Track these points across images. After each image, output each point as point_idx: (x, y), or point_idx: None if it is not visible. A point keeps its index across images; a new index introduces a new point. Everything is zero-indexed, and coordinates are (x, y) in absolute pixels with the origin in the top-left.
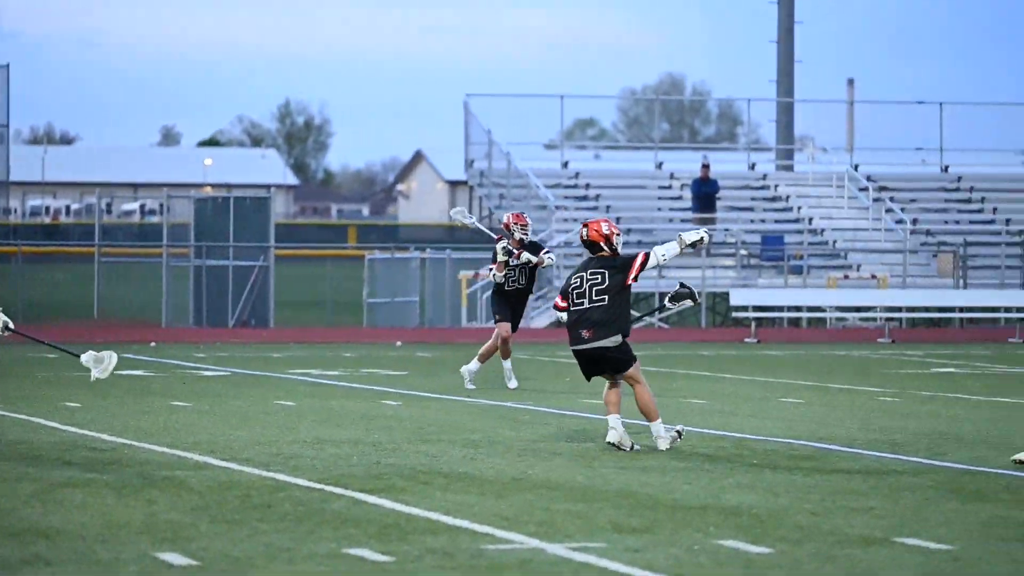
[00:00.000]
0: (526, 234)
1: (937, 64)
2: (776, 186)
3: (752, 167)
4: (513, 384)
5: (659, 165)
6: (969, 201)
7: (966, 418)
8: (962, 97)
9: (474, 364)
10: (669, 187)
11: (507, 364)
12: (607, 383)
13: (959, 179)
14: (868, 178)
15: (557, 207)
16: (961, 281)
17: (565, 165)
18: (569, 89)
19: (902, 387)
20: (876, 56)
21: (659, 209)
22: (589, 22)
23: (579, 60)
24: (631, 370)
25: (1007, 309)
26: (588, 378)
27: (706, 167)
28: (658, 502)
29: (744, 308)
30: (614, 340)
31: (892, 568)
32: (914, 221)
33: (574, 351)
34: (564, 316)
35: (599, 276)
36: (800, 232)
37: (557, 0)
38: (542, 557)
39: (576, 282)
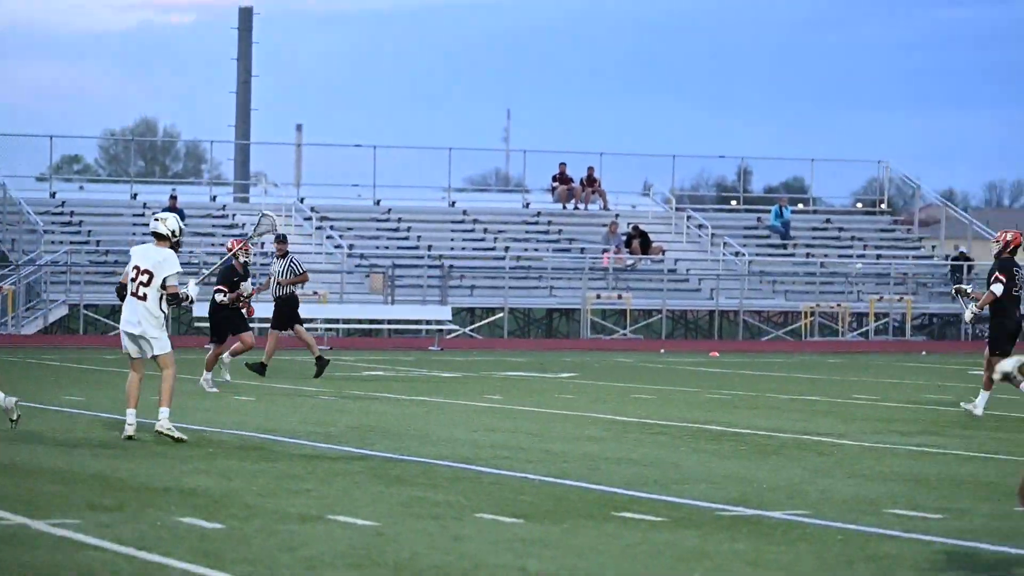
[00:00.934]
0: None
1: (373, 113)
2: (234, 215)
3: (214, 198)
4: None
5: (134, 196)
6: (397, 230)
7: (391, 414)
8: (394, 141)
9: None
10: (143, 215)
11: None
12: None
13: (389, 210)
14: (312, 209)
15: (46, 231)
16: (390, 298)
17: (53, 195)
18: (58, 130)
19: (338, 388)
20: (322, 105)
21: (133, 234)
22: (75, 71)
23: (66, 105)
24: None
25: (428, 322)
26: None
27: (173, 198)
28: (127, 484)
29: (203, 319)
30: None
31: (325, 541)
32: (351, 246)
33: None
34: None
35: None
36: (256, 255)
37: (46, 52)
38: (26, 532)
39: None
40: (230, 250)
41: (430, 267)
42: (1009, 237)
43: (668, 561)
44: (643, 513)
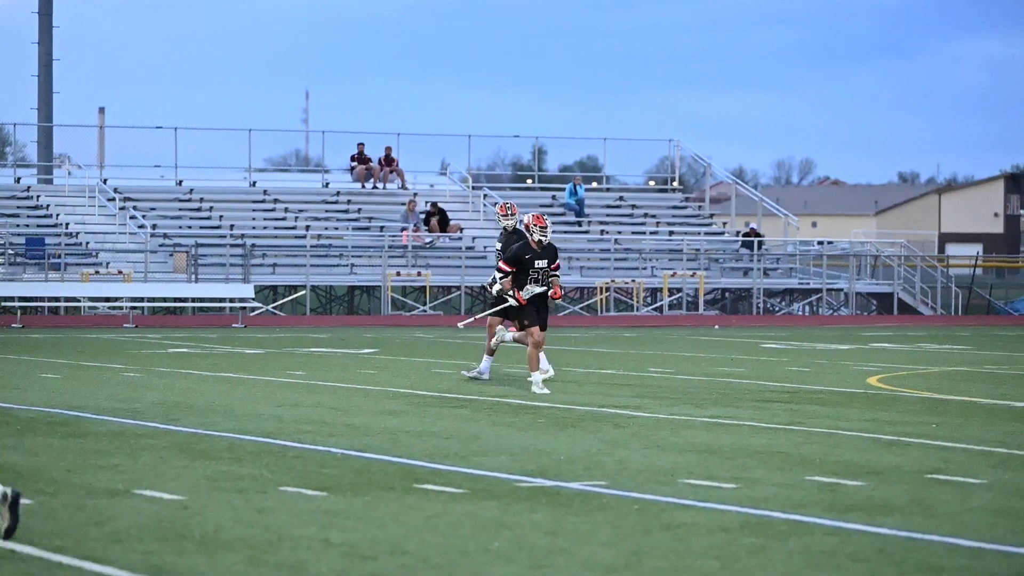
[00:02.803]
0: (544, 236)
1: (175, 94)
2: (38, 196)
3: (18, 180)
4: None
5: None
6: (200, 210)
7: (197, 390)
8: (195, 123)
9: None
10: None
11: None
12: None
13: (191, 191)
14: (115, 190)
15: None
16: (194, 276)
17: None
18: None
19: (143, 364)
20: (124, 87)
21: None
22: None
23: None
24: None
25: (231, 300)
26: None
27: None
28: None
29: (11, 299)
30: None
31: (132, 515)
32: (154, 226)
33: None
34: None
35: None
36: (59, 235)
37: None
38: None
39: None
40: (527, 227)
41: (232, 246)
42: None
43: (468, 531)
44: (443, 485)
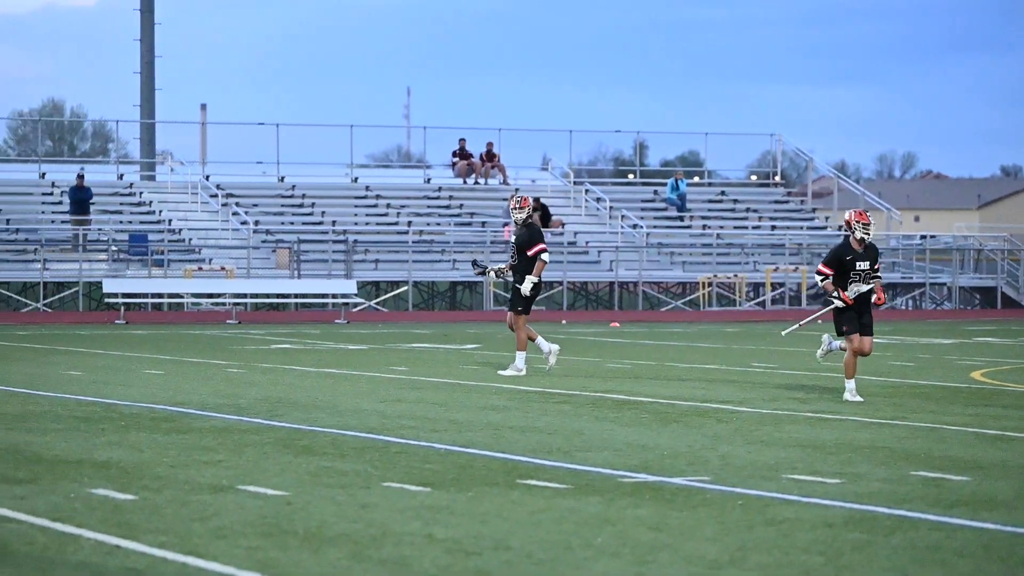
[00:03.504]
0: (867, 233)
1: (277, 91)
2: (141, 193)
3: (121, 177)
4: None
5: (43, 175)
6: (302, 206)
7: (300, 386)
8: (297, 119)
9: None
10: (51, 194)
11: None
12: None
13: (293, 187)
14: (218, 186)
15: None
16: (296, 272)
17: None
18: None
19: (246, 360)
20: (225, 84)
21: (43, 212)
22: None
23: None
24: None
25: (334, 296)
26: None
27: (81, 177)
28: (41, 458)
29: (115, 295)
30: None
31: (236, 510)
32: (256, 222)
33: None
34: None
35: None
36: (161, 232)
37: None
38: None
39: None
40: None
41: (335, 242)
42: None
43: (572, 527)
44: (547, 480)
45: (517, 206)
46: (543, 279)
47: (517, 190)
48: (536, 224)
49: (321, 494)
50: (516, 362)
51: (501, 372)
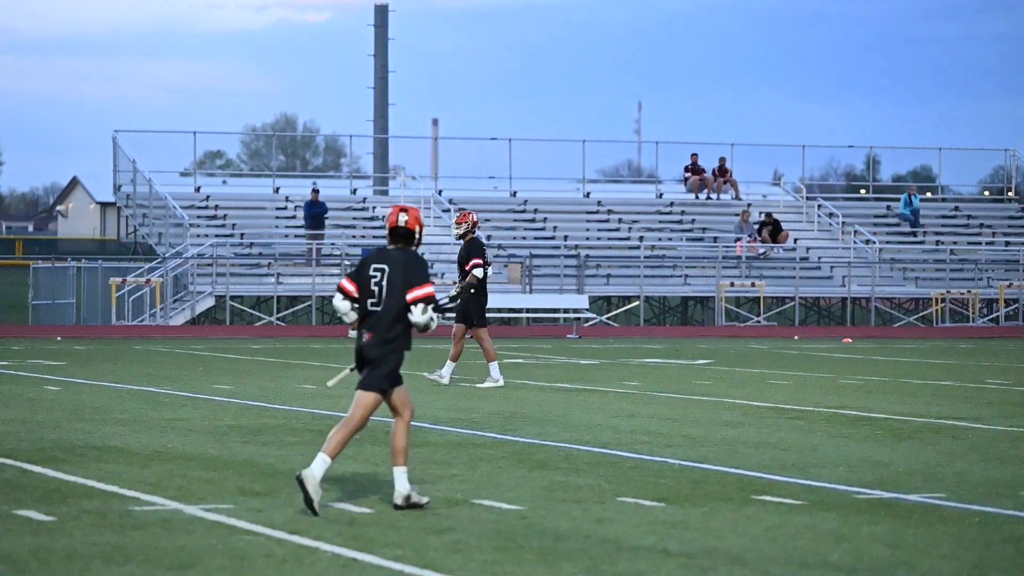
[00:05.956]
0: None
1: (508, 106)
2: (374, 208)
3: (354, 191)
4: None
5: (276, 190)
6: (534, 221)
7: (532, 401)
8: (528, 134)
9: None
10: (285, 208)
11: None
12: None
13: (525, 202)
14: (450, 201)
15: (191, 225)
16: (527, 287)
17: (198, 189)
18: (200, 126)
19: (479, 375)
20: (457, 99)
21: (276, 227)
22: (216, 69)
23: (208, 102)
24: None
25: (565, 310)
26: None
27: (316, 192)
28: (277, 470)
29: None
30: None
31: (471, 524)
32: (488, 237)
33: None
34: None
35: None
36: None
37: (187, 51)
38: (180, 517)
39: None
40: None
41: (566, 256)
42: None
43: (807, 543)
44: (781, 496)
45: (455, 222)
46: (481, 292)
47: (749, 205)
48: (477, 239)
49: (556, 508)
50: (492, 373)
51: (478, 386)
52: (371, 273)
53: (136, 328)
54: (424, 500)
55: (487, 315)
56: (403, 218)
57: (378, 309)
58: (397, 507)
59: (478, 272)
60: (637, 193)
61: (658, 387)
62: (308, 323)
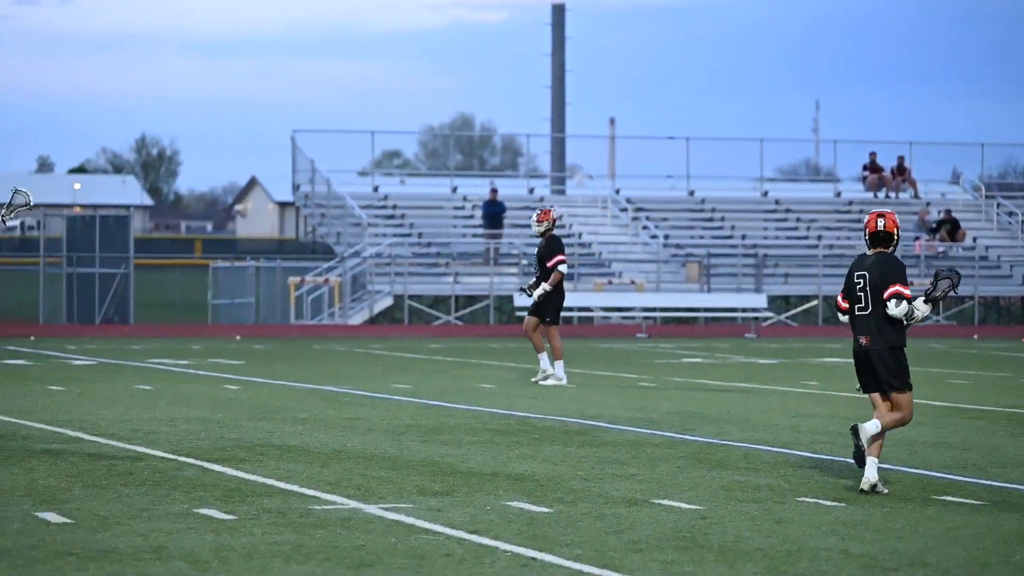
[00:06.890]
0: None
1: (685, 104)
2: (552, 207)
3: (531, 191)
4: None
5: (454, 189)
6: (711, 220)
7: (710, 400)
8: (706, 133)
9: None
10: (463, 208)
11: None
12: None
13: (703, 201)
14: (628, 200)
15: (369, 224)
16: (705, 286)
17: (376, 189)
18: (378, 126)
19: (657, 374)
20: (634, 98)
21: (454, 226)
22: (393, 69)
23: (385, 101)
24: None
25: (743, 310)
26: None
27: (494, 191)
28: (456, 470)
29: (525, 308)
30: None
31: (651, 524)
32: (666, 236)
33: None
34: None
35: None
36: (571, 245)
37: (364, 51)
38: (360, 516)
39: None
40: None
41: (744, 255)
42: None
43: (989, 544)
44: (963, 497)
45: (536, 220)
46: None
47: (928, 204)
48: (557, 237)
49: (735, 508)
50: (556, 371)
51: (542, 383)
52: (854, 280)
53: (314, 327)
54: (885, 491)
55: (561, 314)
56: (881, 223)
57: (866, 313)
58: (862, 492)
59: (563, 268)
60: (815, 192)
61: (837, 387)
62: (486, 322)
